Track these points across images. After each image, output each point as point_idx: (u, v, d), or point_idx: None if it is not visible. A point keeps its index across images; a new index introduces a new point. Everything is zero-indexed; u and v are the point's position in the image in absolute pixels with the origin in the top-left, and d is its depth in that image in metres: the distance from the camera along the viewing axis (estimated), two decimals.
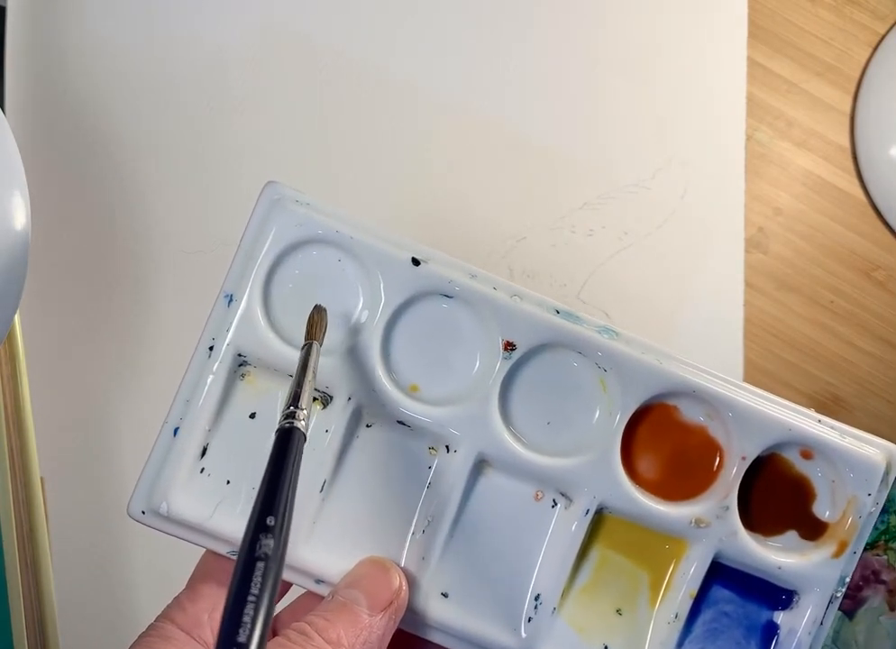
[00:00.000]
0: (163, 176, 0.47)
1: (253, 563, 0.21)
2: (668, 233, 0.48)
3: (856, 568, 0.43)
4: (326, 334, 0.30)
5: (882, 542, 0.46)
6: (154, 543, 0.44)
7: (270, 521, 0.22)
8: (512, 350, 0.30)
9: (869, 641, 0.46)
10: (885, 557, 0.46)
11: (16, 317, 0.41)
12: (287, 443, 0.24)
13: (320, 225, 0.30)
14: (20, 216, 0.36)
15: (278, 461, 0.24)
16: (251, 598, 0.20)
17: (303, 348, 0.28)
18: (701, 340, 0.48)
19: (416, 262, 0.30)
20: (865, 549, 0.46)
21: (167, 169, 0.47)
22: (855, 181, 0.49)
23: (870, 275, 0.49)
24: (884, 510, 0.46)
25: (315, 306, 0.30)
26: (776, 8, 0.49)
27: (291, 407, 0.26)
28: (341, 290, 0.31)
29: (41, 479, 0.42)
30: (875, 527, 0.47)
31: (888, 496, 0.46)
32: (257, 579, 0.21)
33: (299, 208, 0.30)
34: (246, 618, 0.20)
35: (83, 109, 0.46)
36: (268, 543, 0.21)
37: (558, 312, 0.30)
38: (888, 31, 0.49)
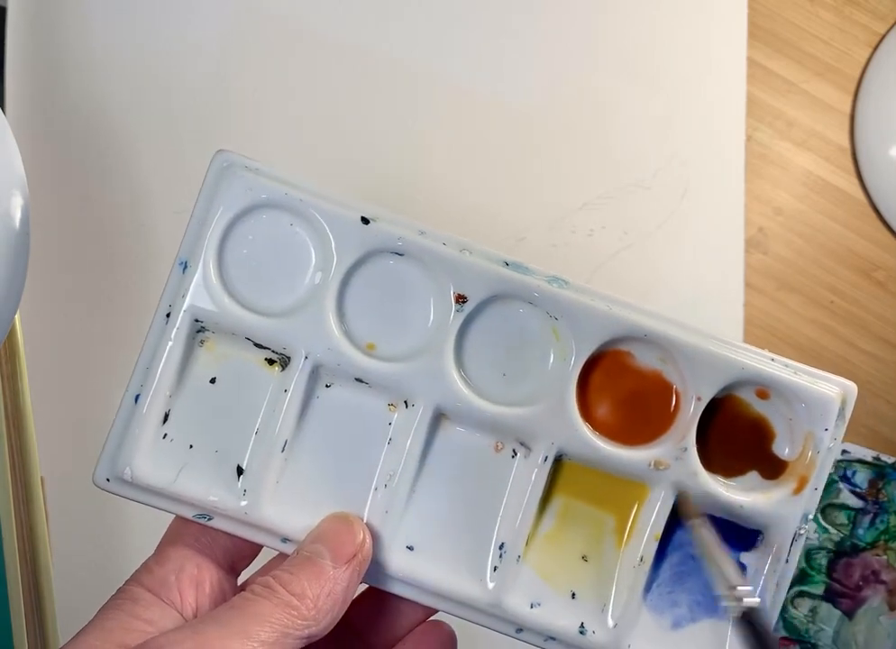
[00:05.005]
0: (165, 175, 0.47)
1: None
2: (668, 233, 0.48)
3: (856, 568, 0.43)
4: (279, 297, 0.30)
5: (882, 542, 0.46)
6: (155, 544, 0.44)
7: None
8: (464, 302, 0.31)
9: (869, 641, 0.46)
10: (885, 557, 0.46)
11: (16, 317, 0.41)
12: None
13: (269, 189, 0.30)
14: (20, 216, 0.36)
15: None
16: None
17: None
18: None
19: (365, 221, 0.31)
20: (865, 549, 0.46)
21: (168, 168, 0.47)
22: (855, 181, 0.49)
23: (870, 275, 0.49)
24: (884, 510, 0.46)
25: None
26: (776, 8, 0.49)
27: None
28: (294, 253, 0.31)
29: (42, 478, 0.42)
30: (875, 527, 0.47)
31: (888, 496, 0.46)
32: None
33: (248, 173, 0.30)
34: None
35: (83, 109, 0.46)
36: None
37: (507, 264, 0.31)
38: (888, 32, 0.49)
